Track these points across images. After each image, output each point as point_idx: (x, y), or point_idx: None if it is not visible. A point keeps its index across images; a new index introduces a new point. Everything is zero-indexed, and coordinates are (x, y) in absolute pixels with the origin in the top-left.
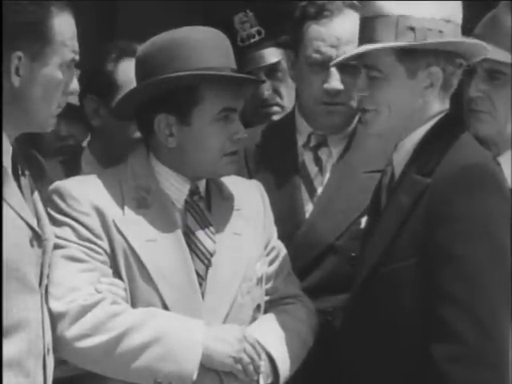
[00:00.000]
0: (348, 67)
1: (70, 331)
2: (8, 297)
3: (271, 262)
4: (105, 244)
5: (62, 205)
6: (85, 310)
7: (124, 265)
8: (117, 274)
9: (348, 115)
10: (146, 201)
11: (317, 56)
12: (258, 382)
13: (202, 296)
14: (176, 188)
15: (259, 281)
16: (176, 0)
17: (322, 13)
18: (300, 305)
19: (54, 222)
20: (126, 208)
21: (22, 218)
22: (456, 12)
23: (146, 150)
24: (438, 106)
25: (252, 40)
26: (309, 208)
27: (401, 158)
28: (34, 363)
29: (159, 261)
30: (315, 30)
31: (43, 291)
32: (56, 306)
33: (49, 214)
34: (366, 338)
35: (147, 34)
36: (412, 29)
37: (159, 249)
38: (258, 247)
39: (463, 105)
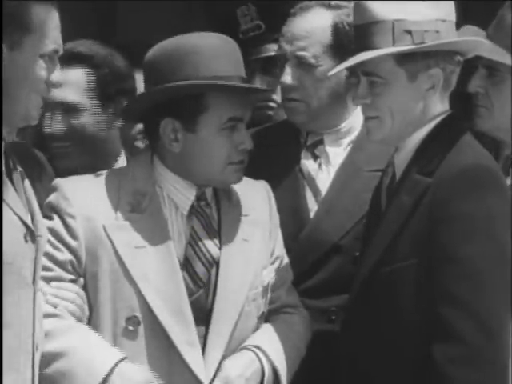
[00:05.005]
0: (305, 64)
1: None
2: (2, 292)
3: (277, 271)
4: (78, 245)
5: (54, 201)
6: None
7: (109, 269)
8: (94, 277)
9: (310, 114)
10: (140, 206)
11: (278, 51)
12: None
13: (212, 304)
14: (182, 194)
15: (265, 289)
16: None
17: (298, 12)
18: (299, 316)
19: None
20: (118, 213)
21: (15, 214)
22: (450, 10)
23: (151, 155)
24: (440, 106)
25: (252, 33)
26: (312, 207)
27: (402, 158)
28: (24, 359)
29: (145, 266)
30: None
31: (36, 287)
32: None
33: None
34: (367, 337)
35: (149, 31)
36: (409, 32)
37: (147, 255)
38: (265, 254)
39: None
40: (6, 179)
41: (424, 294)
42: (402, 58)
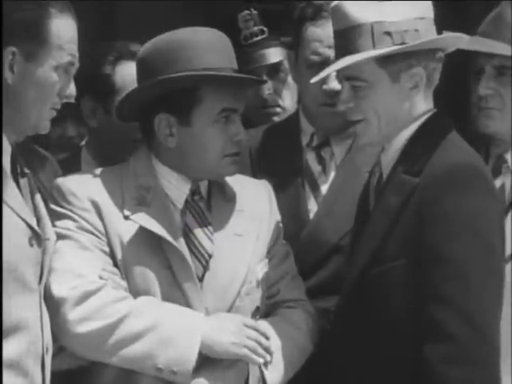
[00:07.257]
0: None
1: (71, 315)
2: (7, 297)
3: (276, 266)
4: (105, 238)
5: (62, 201)
6: (87, 296)
7: (121, 262)
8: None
9: None
10: (145, 200)
11: (314, 57)
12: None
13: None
14: (176, 188)
15: (259, 283)
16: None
17: (319, 14)
18: (300, 310)
19: (56, 216)
20: (125, 206)
21: (21, 218)
22: (428, 8)
23: (148, 151)
24: (424, 105)
25: (255, 39)
26: (312, 207)
27: (389, 158)
28: (33, 363)
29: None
30: (313, 31)
31: (42, 291)
32: (58, 291)
33: (51, 210)
34: (357, 339)
35: (147, 33)
36: (388, 33)
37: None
38: (261, 248)
39: (471, 104)
40: (12, 184)
41: (414, 294)
42: (384, 60)
